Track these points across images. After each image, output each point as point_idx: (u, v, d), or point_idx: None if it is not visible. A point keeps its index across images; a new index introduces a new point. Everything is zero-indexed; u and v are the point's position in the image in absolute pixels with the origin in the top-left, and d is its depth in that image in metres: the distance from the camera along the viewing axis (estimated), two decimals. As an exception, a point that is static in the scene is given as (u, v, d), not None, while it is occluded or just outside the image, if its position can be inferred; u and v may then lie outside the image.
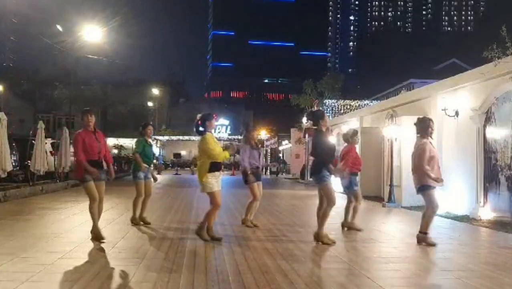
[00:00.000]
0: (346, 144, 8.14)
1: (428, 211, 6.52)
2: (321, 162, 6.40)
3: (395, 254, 6.09)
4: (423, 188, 6.45)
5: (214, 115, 7.01)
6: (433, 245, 6.37)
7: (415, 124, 6.78)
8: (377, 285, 4.44)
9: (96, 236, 6.35)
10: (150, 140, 8.37)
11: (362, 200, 8.04)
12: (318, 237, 6.43)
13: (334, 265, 5.39)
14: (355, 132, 8.20)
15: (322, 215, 6.45)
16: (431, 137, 6.65)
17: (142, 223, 7.90)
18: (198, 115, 6.64)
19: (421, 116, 7.05)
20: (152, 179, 8.12)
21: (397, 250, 6.31)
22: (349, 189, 7.87)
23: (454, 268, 5.30)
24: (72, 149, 20.78)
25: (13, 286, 4.12)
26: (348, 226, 7.78)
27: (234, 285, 4.34)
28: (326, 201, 6.44)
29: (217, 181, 6.41)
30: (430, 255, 6.05)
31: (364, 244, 6.68)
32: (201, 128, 6.48)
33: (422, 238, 6.47)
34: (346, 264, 5.35)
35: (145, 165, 7.88)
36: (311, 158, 6.72)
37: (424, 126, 6.61)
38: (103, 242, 6.22)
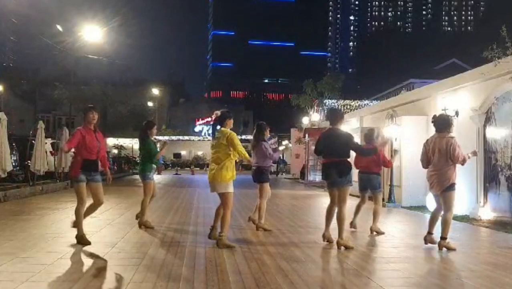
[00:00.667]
0: (365, 143, 8.03)
1: (448, 214, 6.22)
2: (349, 162, 6.28)
3: (395, 254, 6.09)
4: (452, 186, 6.19)
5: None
6: (454, 249, 6.15)
7: (433, 121, 6.51)
8: (377, 285, 4.44)
9: (81, 240, 6.07)
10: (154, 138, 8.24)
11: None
12: (342, 243, 6.14)
13: (334, 265, 5.39)
14: (378, 133, 8.11)
15: (339, 219, 6.16)
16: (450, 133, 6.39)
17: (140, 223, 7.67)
18: (218, 112, 6.43)
19: (440, 114, 6.89)
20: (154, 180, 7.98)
21: (397, 250, 6.30)
22: (376, 189, 7.78)
23: (454, 268, 5.30)
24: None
25: (13, 286, 4.13)
26: (372, 230, 7.58)
27: (234, 285, 4.34)
28: (342, 202, 6.23)
29: None
30: (430, 255, 6.05)
31: (364, 244, 6.68)
32: (219, 126, 6.27)
33: (444, 243, 6.20)
34: (346, 264, 5.35)
35: (154, 165, 7.81)
36: (334, 158, 6.31)
37: (445, 123, 6.36)
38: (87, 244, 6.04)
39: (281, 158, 43.08)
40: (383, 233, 7.52)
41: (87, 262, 5.11)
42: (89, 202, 6.33)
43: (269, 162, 7.76)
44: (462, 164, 6.25)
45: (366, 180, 7.87)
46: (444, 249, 6.19)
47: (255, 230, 7.59)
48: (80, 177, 6.11)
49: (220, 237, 6.09)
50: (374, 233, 7.54)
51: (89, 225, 7.89)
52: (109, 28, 28.51)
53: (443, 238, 6.21)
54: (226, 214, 6.15)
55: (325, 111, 28.47)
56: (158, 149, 8.23)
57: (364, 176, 7.88)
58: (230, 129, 6.26)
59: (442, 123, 6.36)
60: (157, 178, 26.48)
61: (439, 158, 6.22)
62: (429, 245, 6.40)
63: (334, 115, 6.69)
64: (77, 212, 6.17)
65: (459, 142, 6.26)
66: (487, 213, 9.54)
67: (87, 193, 6.20)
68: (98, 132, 6.42)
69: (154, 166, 7.86)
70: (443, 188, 6.19)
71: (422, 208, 11.18)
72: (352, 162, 7.84)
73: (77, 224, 6.16)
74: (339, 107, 29.26)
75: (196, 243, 6.27)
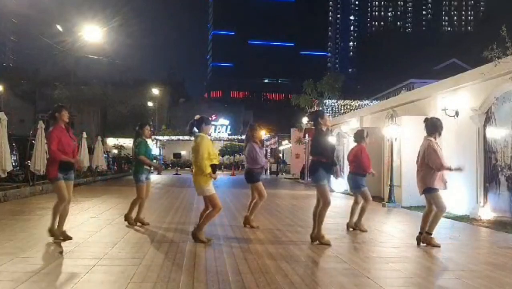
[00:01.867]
0: (356, 144, 8.14)
1: (438, 213, 6.37)
2: (319, 161, 6.37)
3: (395, 254, 6.09)
4: (429, 190, 6.35)
5: (211, 119, 7.00)
6: (438, 246, 6.31)
7: (424, 122, 6.65)
8: (377, 285, 4.44)
9: (53, 234, 6.19)
10: (148, 140, 8.22)
11: (371, 200, 8.01)
12: (316, 237, 6.42)
13: (334, 265, 5.39)
14: (367, 133, 8.22)
15: (318, 216, 6.41)
16: (438, 136, 6.50)
17: (140, 224, 7.84)
18: (197, 116, 6.58)
19: (431, 117, 6.93)
20: (151, 180, 8.07)
21: (397, 250, 6.30)
22: (357, 189, 7.87)
23: (454, 268, 5.30)
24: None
25: (13, 286, 4.12)
26: (353, 227, 7.77)
27: (234, 285, 4.34)
28: (322, 201, 6.41)
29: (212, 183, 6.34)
30: (430, 255, 6.04)
31: (364, 244, 6.68)
32: (195, 129, 6.42)
33: (428, 239, 6.38)
34: (346, 264, 5.34)
35: (146, 167, 7.82)
36: (311, 157, 6.69)
37: (432, 127, 6.49)
38: (60, 241, 6.14)
39: (281, 158, 43.13)
40: (365, 231, 7.65)
41: (87, 262, 5.10)
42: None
43: (259, 164, 7.83)
44: (438, 170, 6.28)
45: (349, 179, 8.04)
46: (444, 248, 6.22)
47: (255, 230, 7.60)
48: (59, 176, 6.12)
49: (196, 228, 6.39)
50: (351, 229, 7.74)
51: (89, 225, 7.91)
52: (109, 28, 28.56)
53: (428, 232, 6.39)
54: (211, 214, 6.36)
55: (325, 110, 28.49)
56: (154, 160, 8.32)
57: (348, 175, 8.07)
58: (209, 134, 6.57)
59: (429, 127, 6.52)
60: (157, 178, 26.61)
61: (420, 161, 6.46)
62: (434, 246, 6.41)
63: (313, 117, 6.86)
64: (55, 209, 6.18)
65: (438, 147, 6.36)
66: (487, 213, 9.54)
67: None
68: (70, 130, 6.40)
69: (147, 167, 7.83)
70: (422, 190, 6.44)
71: (422, 208, 11.11)
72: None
73: (53, 219, 6.19)
74: (339, 107, 29.27)
75: (196, 243, 6.26)
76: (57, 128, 6.21)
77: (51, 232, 6.21)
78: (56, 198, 6.26)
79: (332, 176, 6.47)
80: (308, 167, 6.63)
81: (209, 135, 6.69)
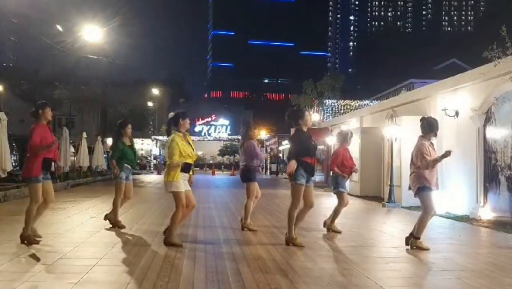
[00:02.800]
0: (339, 144, 8.05)
1: (425, 215, 6.21)
2: (301, 161, 6.18)
3: (395, 254, 6.09)
4: (420, 189, 6.23)
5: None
6: (427, 249, 6.17)
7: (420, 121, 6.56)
8: (377, 285, 4.44)
9: (29, 240, 6.00)
10: (128, 140, 7.79)
11: (347, 204, 7.79)
12: (287, 240, 6.28)
13: (334, 265, 5.39)
14: (351, 134, 8.14)
15: (288, 216, 6.25)
16: (434, 137, 6.44)
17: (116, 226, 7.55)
18: (171, 114, 6.45)
19: (425, 116, 6.89)
20: (132, 181, 7.80)
21: (397, 250, 6.30)
22: (335, 188, 7.76)
23: (454, 268, 5.30)
24: (72, 149, 20.82)
25: (13, 286, 4.12)
26: (328, 227, 7.59)
27: (234, 285, 4.34)
28: (291, 200, 6.27)
29: (184, 181, 6.11)
30: (430, 255, 6.04)
31: (364, 244, 6.68)
32: (173, 128, 6.29)
33: (416, 243, 6.24)
34: (346, 264, 5.34)
35: (127, 166, 7.61)
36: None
37: (426, 127, 6.41)
38: (38, 241, 6.02)
39: (281, 158, 43.09)
40: (339, 232, 7.47)
41: (87, 262, 5.10)
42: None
43: (257, 161, 7.69)
44: (426, 168, 6.14)
45: (332, 179, 8.00)
46: (444, 248, 6.21)
47: (241, 230, 7.52)
48: (39, 178, 5.97)
49: (167, 234, 6.19)
50: (330, 230, 7.55)
51: (89, 225, 7.91)
52: (109, 28, 28.53)
53: (415, 237, 6.23)
54: (174, 213, 6.10)
55: (325, 111, 28.46)
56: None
57: (332, 176, 8.03)
58: (187, 130, 6.40)
59: (426, 127, 6.41)
60: (157, 178, 26.51)
61: (412, 161, 6.36)
62: (430, 246, 6.40)
63: (293, 116, 6.56)
64: (29, 212, 6.03)
65: (431, 148, 6.26)
66: (487, 213, 9.54)
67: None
68: (51, 128, 6.33)
69: (128, 166, 7.62)
70: (415, 190, 6.27)
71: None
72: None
73: (27, 224, 6.03)
74: (339, 107, 29.27)
75: (196, 243, 6.26)
76: (40, 126, 6.08)
77: (24, 237, 5.99)
78: (30, 200, 6.06)
79: (312, 176, 6.30)
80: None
81: (187, 130, 6.44)
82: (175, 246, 5.95)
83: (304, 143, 6.26)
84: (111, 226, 7.59)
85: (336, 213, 7.62)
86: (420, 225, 6.20)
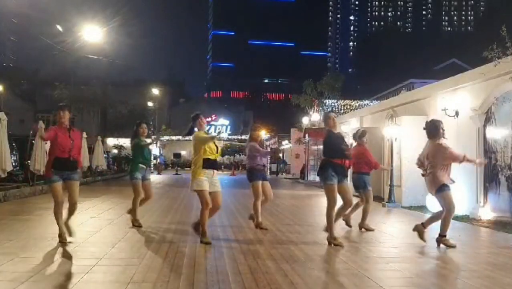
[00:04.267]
0: (355, 144, 8.21)
1: (448, 213, 6.36)
2: (329, 161, 6.36)
3: (395, 254, 6.09)
4: (441, 188, 6.30)
5: (211, 119, 7.09)
6: (453, 246, 6.33)
7: (424, 128, 6.71)
8: (377, 285, 4.43)
9: (63, 238, 6.16)
10: (145, 139, 7.99)
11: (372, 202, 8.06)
12: (328, 240, 6.40)
13: (334, 265, 5.39)
14: (364, 133, 8.29)
15: (327, 217, 6.38)
16: (443, 137, 6.58)
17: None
18: (193, 115, 6.69)
19: (431, 120, 6.92)
20: (150, 180, 7.92)
21: (397, 250, 6.30)
22: (364, 189, 7.94)
23: (454, 268, 5.30)
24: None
25: (13, 286, 4.12)
26: (360, 226, 7.85)
27: (234, 285, 4.34)
28: (326, 201, 6.43)
29: (209, 180, 6.19)
30: (430, 255, 6.05)
31: (364, 244, 6.68)
32: (195, 129, 6.49)
33: (442, 240, 6.40)
34: (346, 264, 5.34)
35: (142, 166, 7.69)
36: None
37: (432, 131, 6.54)
38: (69, 243, 6.11)
39: (281, 157, 43.09)
40: (372, 230, 7.75)
41: (87, 262, 5.10)
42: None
43: (259, 161, 7.90)
44: (460, 162, 6.45)
45: (355, 179, 8.11)
46: (445, 248, 6.25)
47: (255, 230, 7.61)
48: (53, 178, 6.09)
49: (196, 222, 6.50)
50: (363, 229, 7.81)
51: (89, 225, 7.91)
52: (109, 28, 28.48)
53: (441, 235, 6.41)
54: (201, 210, 6.28)
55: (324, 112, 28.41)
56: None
57: (354, 175, 8.10)
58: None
59: (431, 129, 6.58)
60: (157, 178, 26.58)
61: (428, 162, 6.48)
62: (429, 244, 6.44)
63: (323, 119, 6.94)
64: (54, 213, 6.21)
65: (449, 145, 6.49)
66: (487, 213, 9.54)
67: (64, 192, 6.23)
68: (74, 131, 6.34)
69: (143, 166, 7.69)
70: (435, 190, 6.40)
71: (422, 208, 11.17)
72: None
73: (58, 224, 6.20)
74: (339, 107, 29.28)
75: (196, 243, 6.26)
76: (56, 127, 6.25)
77: (60, 236, 6.18)
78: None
79: (345, 177, 6.41)
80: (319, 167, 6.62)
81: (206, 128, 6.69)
82: (207, 244, 6.10)
83: (334, 145, 6.43)
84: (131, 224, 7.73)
85: (366, 212, 7.85)
86: (445, 224, 6.39)
